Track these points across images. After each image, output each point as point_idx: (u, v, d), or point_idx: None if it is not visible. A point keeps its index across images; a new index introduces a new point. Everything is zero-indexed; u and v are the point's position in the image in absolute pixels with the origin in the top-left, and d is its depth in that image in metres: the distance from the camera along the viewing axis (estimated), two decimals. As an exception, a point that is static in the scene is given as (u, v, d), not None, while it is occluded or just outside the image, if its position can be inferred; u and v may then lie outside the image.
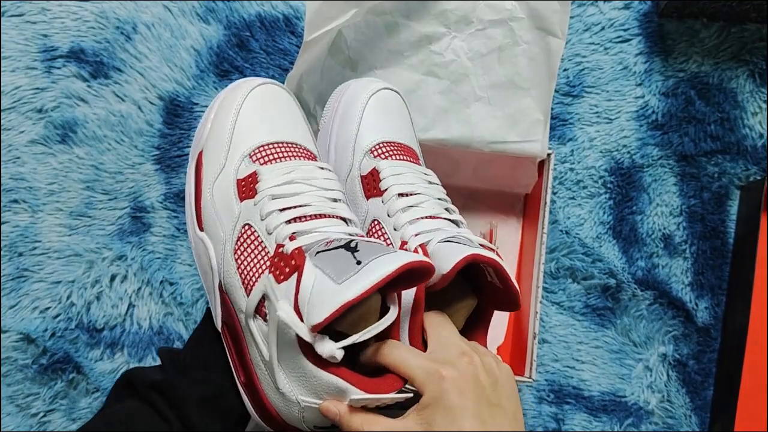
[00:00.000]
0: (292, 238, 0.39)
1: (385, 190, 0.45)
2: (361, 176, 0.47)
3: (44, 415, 0.64)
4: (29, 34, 0.66)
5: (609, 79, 0.66)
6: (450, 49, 0.57)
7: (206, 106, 0.65)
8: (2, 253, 0.65)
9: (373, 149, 0.47)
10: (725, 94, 0.66)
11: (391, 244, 0.44)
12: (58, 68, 0.66)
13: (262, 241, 0.40)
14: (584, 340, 0.65)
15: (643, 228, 0.65)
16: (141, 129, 0.66)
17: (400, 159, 0.47)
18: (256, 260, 0.40)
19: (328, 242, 0.38)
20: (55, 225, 0.65)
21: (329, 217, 0.41)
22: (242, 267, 0.40)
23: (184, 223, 0.65)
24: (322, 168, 0.44)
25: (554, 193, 0.65)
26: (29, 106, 0.66)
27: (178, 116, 0.66)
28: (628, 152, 0.66)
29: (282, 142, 0.44)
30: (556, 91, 0.65)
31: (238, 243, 0.41)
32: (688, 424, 0.64)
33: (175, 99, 0.66)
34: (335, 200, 0.42)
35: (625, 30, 0.66)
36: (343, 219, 0.42)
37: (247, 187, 0.42)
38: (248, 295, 0.39)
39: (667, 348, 0.65)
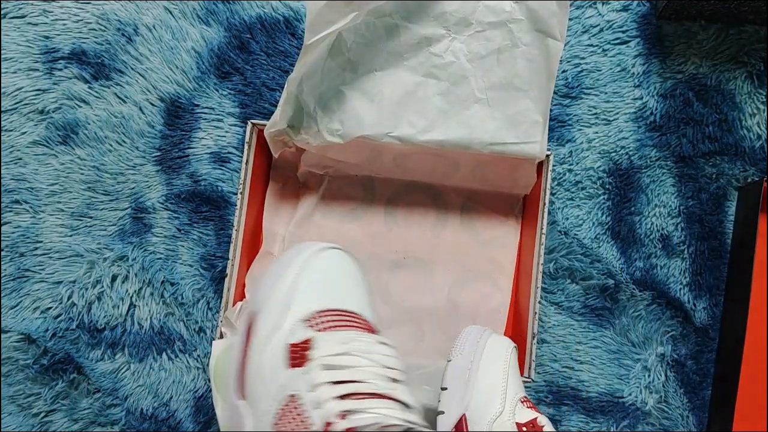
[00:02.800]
0: (342, 416, 0.34)
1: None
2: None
3: (45, 415, 0.64)
4: (31, 36, 0.66)
5: (607, 80, 0.66)
6: (449, 51, 0.57)
7: (207, 107, 0.66)
8: (4, 253, 0.65)
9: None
10: (723, 95, 0.66)
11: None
12: (60, 70, 0.66)
13: (307, 417, 0.35)
14: (583, 341, 0.65)
15: (641, 229, 0.66)
16: (142, 130, 0.66)
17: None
18: None
19: (383, 426, 0.34)
20: (56, 225, 0.65)
21: (386, 398, 0.36)
22: None
23: (185, 224, 0.65)
24: (383, 343, 0.40)
25: (553, 194, 0.66)
26: (31, 108, 0.66)
27: (179, 117, 0.66)
28: (627, 153, 0.66)
29: (342, 311, 0.41)
30: (554, 92, 0.65)
31: (279, 415, 0.36)
32: (684, 424, 0.64)
33: (176, 100, 0.66)
34: (394, 380, 0.38)
35: (623, 32, 0.67)
36: (402, 403, 0.37)
37: (298, 354, 0.38)
38: None
39: (666, 348, 0.65)
